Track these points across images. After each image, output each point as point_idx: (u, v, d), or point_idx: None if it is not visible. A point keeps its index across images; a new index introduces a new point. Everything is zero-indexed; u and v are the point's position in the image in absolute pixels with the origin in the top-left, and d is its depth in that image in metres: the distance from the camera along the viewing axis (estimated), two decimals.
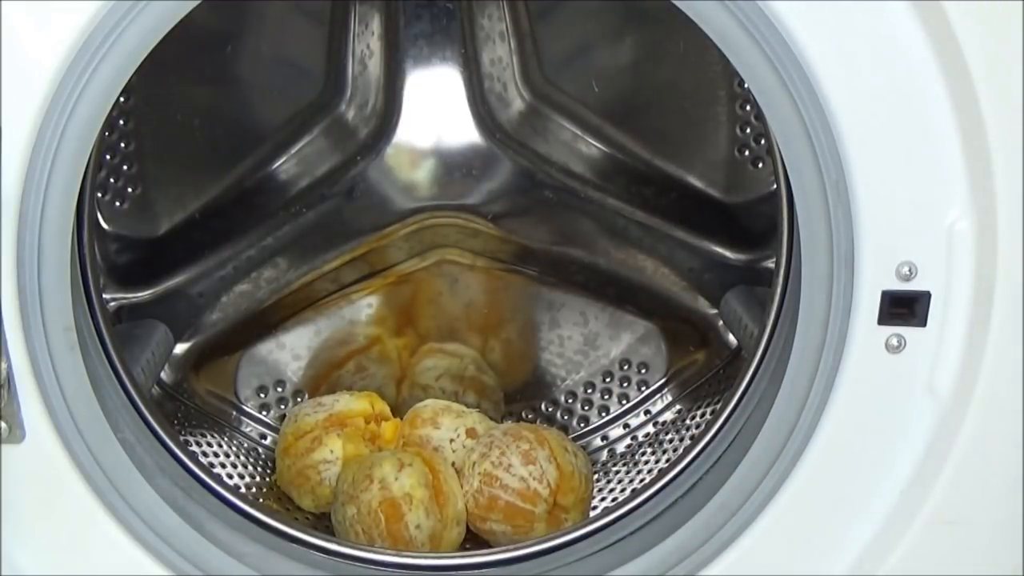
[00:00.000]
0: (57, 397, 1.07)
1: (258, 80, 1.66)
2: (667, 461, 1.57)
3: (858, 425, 1.08)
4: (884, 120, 0.99)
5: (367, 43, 1.65)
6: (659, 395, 1.71)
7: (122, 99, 1.48)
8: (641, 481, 1.55)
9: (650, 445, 1.65)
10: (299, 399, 1.70)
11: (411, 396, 1.67)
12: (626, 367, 1.73)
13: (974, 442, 1.07)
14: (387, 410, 1.57)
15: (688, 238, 1.66)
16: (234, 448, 1.60)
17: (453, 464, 1.48)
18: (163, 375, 1.62)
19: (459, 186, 1.68)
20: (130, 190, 1.61)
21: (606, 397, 1.73)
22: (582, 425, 1.72)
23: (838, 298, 1.06)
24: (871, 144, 1.00)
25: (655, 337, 1.72)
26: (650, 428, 1.69)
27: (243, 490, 1.48)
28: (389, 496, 1.39)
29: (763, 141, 1.60)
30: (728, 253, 1.65)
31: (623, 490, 1.54)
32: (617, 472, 1.60)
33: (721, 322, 1.66)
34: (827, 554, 1.12)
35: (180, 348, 1.65)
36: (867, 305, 1.04)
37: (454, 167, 1.67)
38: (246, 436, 1.68)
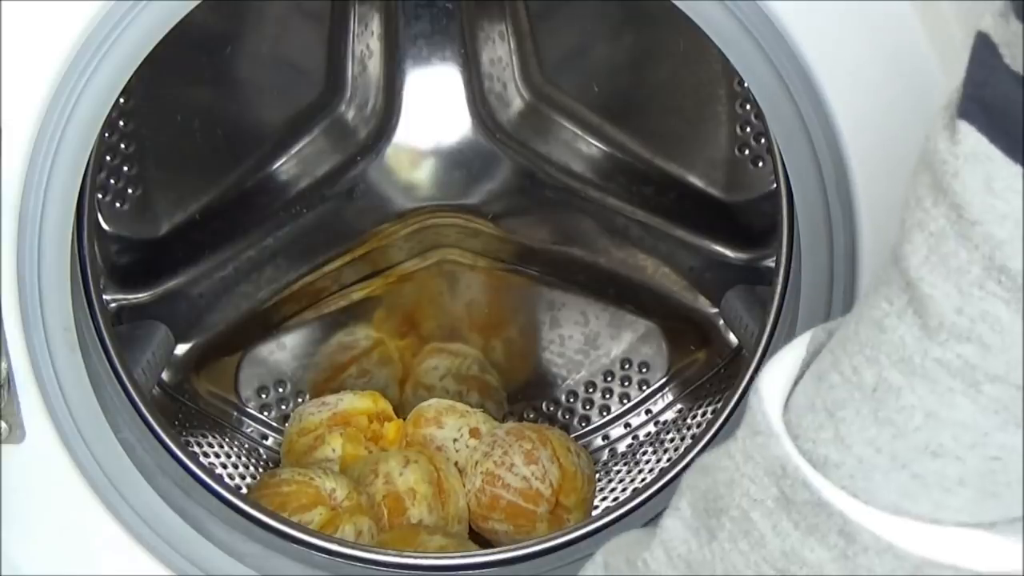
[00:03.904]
0: (57, 397, 1.07)
1: (258, 80, 1.65)
2: (668, 460, 1.57)
3: None
4: (884, 120, 0.99)
5: (367, 43, 1.65)
6: (660, 394, 1.71)
7: (122, 100, 1.48)
8: (642, 480, 1.55)
9: (651, 444, 1.65)
10: (300, 399, 1.70)
11: (415, 396, 1.67)
12: (627, 366, 1.73)
13: None
14: (390, 409, 1.57)
15: (688, 237, 1.65)
16: (235, 448, 1.61)
17: (456, 464, 1.48)
18: (164, 375, 1.62)
19: (459, 186, 1.68)
20: (130, 191, 1.61)
21: (607, 396, 1.73)
22: (583, 424, 1.72)
23: (838, 298, 1.06)
24: (871, 144, 1.00)
25: (656, 336, 1.72)
26: (651, 427, 1.69)
27: (243, 490, 1.48)
28: (393, 490, 1.40)
29: (763, 140, 1.60)
30: (728, 252, 1.65)
31: (624, 490, 1.54)
32: (618, 471, 1.60)
33: (722, 321, 1.66)
34: None
35: (181, 349, 1.64)
36: None
37: (454, 167, 1.67)
38: (247, 436, 1.67)
